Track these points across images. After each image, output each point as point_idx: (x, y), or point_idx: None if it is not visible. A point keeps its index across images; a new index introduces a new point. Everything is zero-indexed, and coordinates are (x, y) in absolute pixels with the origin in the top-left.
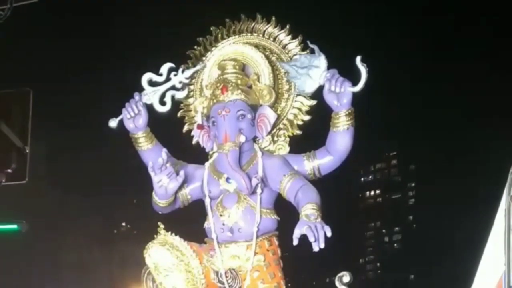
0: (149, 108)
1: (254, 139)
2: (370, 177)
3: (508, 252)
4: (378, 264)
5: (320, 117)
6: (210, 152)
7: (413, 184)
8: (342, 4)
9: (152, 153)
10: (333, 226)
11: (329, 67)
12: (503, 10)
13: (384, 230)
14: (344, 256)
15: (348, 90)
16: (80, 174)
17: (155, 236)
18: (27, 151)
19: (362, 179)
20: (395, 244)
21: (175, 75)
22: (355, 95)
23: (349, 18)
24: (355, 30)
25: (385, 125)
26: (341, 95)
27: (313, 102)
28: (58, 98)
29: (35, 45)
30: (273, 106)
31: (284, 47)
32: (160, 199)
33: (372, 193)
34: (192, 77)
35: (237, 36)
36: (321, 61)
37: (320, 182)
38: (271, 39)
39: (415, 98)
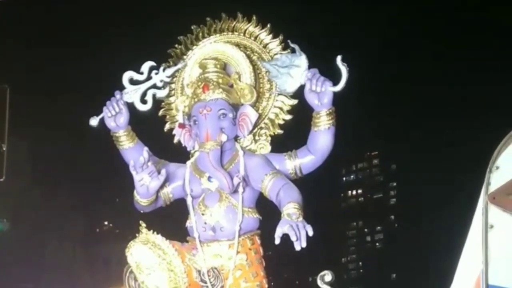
0: (130, 106)
1: (236, 138)
2: (352, 176)
3: (485, 250)
4: (360, 263)
5: (301, 117)
6: (192, 151)
7: (395, 184)
8: (323, 3)
9: (134, 152)
10: (315, 225)
11: (310, 67)
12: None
13: (366, 230)
14: (326, 255)
15: (329, 89)
16: (61, 173)
17: (137, 235)
18: (4, 149)
19: (344, 178)
20: (377, 243)
21: (156, 73)
22: (336, 95)
23: (330, 17)
24: (336, 29)
25: (366, 125)
26: (322, 95)
27: (294, 101)
28: (36, 96)
29: (12, 42)
30: (255, 105)
31: (265, 46)
32: (142, 198)
33: (354, 192)
34: (173, 75)
35: (218, 35)
36: (302, 60)
37: (302, 181)
38: (252, 38)
39: (396, 98)
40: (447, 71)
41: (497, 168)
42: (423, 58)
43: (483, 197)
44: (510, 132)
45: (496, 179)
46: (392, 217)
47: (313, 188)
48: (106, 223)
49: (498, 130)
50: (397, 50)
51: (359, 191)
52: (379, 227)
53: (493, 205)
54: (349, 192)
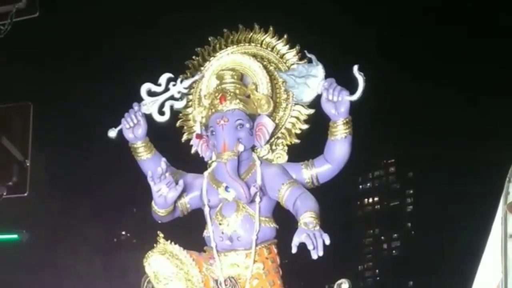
0: (148, 118)
1: (253, 148)
2: (369, 184)
3: (505, 259)
4: (377, 271)
5: (318, 126)
6: (209, 161)
7: (411, 191)
8: (339, 14)
9: (151, 163)
10: (332, 233)
11: (326, 76)
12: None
13: (382, 237)
14: (343, 263)
15: (346, 99)
16: (80, 183)
17: (154, 245)
18: (28, 164)
19: (361, 186)
20: (394, 251)
21: (173, 85)
22: (352, 104)
23: (347, 27)
24: (353, 39)
25: (383, 133)
26: (338, 104)
27: (311, 111)
28: (58, 110)
29: (35, 59)
30: (271, 115)
31: (282, 56)
32: (160, 208)
33: (371, 200)
34: (190, 87)
35: (235, 46)
36: (319, 70)
37: (319, 190)
38: (269, 49)
39: (412, 105)
40: (468, 80)
41: None
42: (443, 67)
43: (502, 206)
44: None
45: None
46: (409, 224)
47: (330, 196)
48: (123, 233)
49: None
50: (416, 58)
51: (376, 198)
52: (395, 235)
53: None
54: (366, 199)
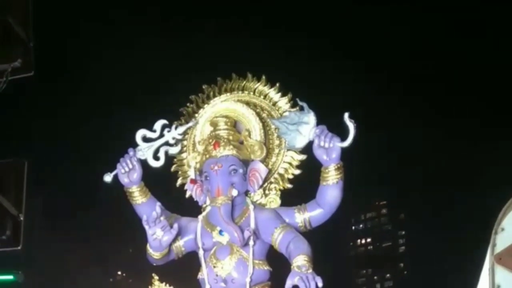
0: (143, 163)
1: (246, 193)
2: (361, 225)
3: None
4: None
5: (310, 171)
6: (203, 206)
7: (403, 232)
8: (330, 62)
9: (147, 207)
10: (325, 274)
11: (318, 123)
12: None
13: (375, 277)
14: None
15: (337, 145)
16: (77, 225)
17: (149, 287)
18: (21, 218)
19: (353, 227)
20: None
21: (168, 131)
22: (344, 149)
23: (337, 76)
24: (343, 87)
25: (376, 175)
26: (330, 150)
27: (303, 156)
28: (53, 153)
29: (29, 116)
30: (264, 161)
31: (274, 104)
32: (155, 251)
33: (364, 241)
34: (185, 133)
35: (228, 94)
36: (310, 117)
37: (312, 231)
38: (262, 96)
39: (403, 148)
40: (455, 127)
41: (503, 229)
42: (433, 109)
43: (489, 258)
44: None
45: (501, 240)
46: (401, 265)
47: (323, 237)
48: (119, 273)
49: (505, 192)
50: (407, 103)
51: (368, 239)
52: (388, 275)
53: (499, 266)
54: (359, 240)
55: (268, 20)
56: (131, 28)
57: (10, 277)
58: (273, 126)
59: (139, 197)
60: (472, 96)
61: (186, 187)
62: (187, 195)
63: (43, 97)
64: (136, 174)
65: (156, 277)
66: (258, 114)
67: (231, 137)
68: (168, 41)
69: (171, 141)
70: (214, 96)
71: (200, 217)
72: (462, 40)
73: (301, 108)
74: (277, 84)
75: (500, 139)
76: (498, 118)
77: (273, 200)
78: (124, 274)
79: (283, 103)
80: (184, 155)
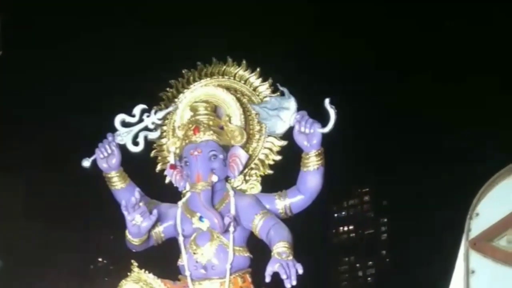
0: (122, 148)
1: (226, 179)
2: (343, 213)
3: None
4: None
5: (290, 157)
6: (183, 191)
7: (386, 220)
8: (311, 47)
9: (126, 192)
10: (307, 261)
11: (298, 109)
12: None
13: (358, 265)
14: None
15: (318, 131)
16: (57, 212)
17: (128, 273)
18: None
19: (336, 215)
20: (369, 278)
21: (147, 116)
22: (324, 135)
23: (318, 61)
24: (324, 72)
25: (357, 162)
26: (310, 136)
27: (284, 142)
28: (32, 136)
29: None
30: (245, 147)
31: (254, 89)
32: (134, 238)
33: (346, 228)
34: (164, 118)
35: (208, 79)
36: (291, 103)
37: (294, 218)
38: (242, 81)
39: (386, 135)
40: (438, 108)
41: (477, 215)
42: (413, 97)
43: (464, 243)
44: (490, 179)
45: (476, 225)
46: (384, 252)
47: (305, 224)
48: (100, 259)
49: (479, 177)
50: (387, 87)
51: (351, 227)
52: (370, 262)
53: (474, 251)
54: (341, 228)
55: (249, 3)
56: (107, 8)
57: None
58: (253, 112)
59: (118, 183)
60: (460, 81)
61: (165, 172)
62: (167, 180)
63: (11, 75)
64: (115, 160)
65: (136, 264)
66: (238, 99)
67: (211, 122)
68: (147, 23)
69: (151, 126)
70: (194, 81)
71: (180, 203)
72: (443, 24)
73: (282, 94)
74: (258, 69)
75: (483, 126)
76: (477, 101)
77: (254, 186)
78: (105, 261)
79: (264, 88)
80: (163, 140)
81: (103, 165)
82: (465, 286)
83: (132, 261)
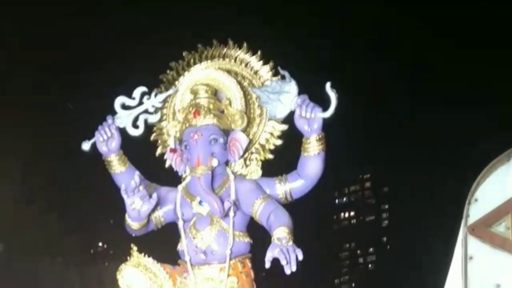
0: (122, 131)
1: (227, 163)
2: (345, 199)
3: (465, 281)
4: (353, 284)
5: (291, 142)
6: (183, 175)
7: (387, 206)
8: (313, 31)
9: (126, 176)
10: (308, 247)
11: (300, 93)
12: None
13: (358, 251)
14: (319, 276)
15: (319, 115)
16: (56, 195)
17: (128, 258)
18: None
19: (337, 201)
20: (370, 265)
21: (148, 99)
22: (326, 120)
23: (320, 45)
24: (326, 56)
25: (359, 148)
26: (311, 121)
27: (285, 126)
28: (30, 119)
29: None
30: (245, 131)
31: (255, 72)
32: (133, 222)
33: (347, 214)
34: (164, 101)
35: (209, 62)
36: (292, 87)
37: (295, 204)
38: (243, 64)
39: (387, 121)
40: (440, 94)
41: (476, 200)
42: (418, 80)
43: (462, 229)
44: (488, 165)
45: (475, 211)
46: (385, 239)
47: (306, 210)
48: (100, 244)
49: (479, 163)
50: (389, 73)
51: (352, 213)
52: (371, 249)
53: (472, 237)
54: (342, 214)
55: None
56: None
57: None
58: (254, 95)
59: (117, 166)
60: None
61: (165, 156)
62: (167, 164)
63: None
64: (115, 143)
65: (135, 248)
66: (239, 83)
67: (211, 106)
68: (148, 4)
69: (151, 109)
70: (195, 63)
71: (180, 187)
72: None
73: (283, 77)
74: (259, 52)
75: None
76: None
77: (254, 170)
78: (104, 246)
79: (265, 71)
80: (163, 123)
81: (102, 148)
82: (463, 272)
83: (132, 245)
